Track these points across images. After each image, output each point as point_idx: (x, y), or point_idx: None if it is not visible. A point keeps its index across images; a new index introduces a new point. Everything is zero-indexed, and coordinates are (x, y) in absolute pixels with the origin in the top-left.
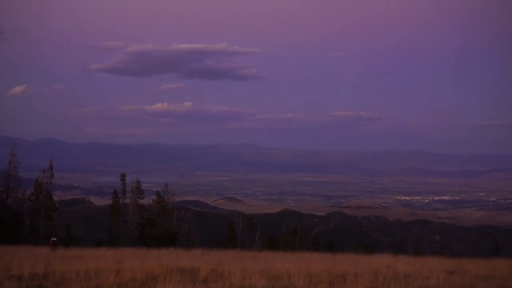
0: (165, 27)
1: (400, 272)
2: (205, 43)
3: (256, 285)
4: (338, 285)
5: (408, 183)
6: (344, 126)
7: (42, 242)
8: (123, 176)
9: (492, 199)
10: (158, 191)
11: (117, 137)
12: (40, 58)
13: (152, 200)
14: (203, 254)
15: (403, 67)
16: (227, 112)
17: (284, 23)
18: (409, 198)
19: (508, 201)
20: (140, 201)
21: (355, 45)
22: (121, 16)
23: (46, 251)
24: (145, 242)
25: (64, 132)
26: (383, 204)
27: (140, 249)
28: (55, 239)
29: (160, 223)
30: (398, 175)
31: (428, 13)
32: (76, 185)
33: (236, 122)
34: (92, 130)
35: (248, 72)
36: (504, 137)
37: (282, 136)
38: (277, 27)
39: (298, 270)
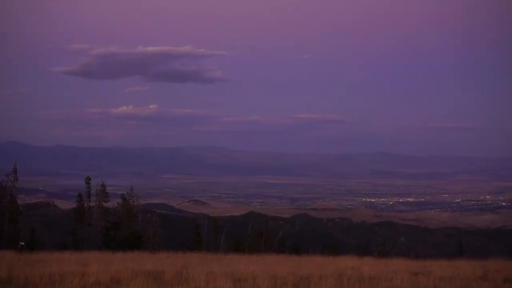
0: (130, 30)
1: (365, 273)
2: (171, 46)
3: None
4: (302, 287)
5: (373, 185)
6: (310, 129)
7: (6, 246)
8: (88, 179)
9: (456, 200)
10: (123, 194)
11: (82, 140)
12: (4, 61)
13: (117, 203)
14: (168, 257)
15: (368, 69)
16: (193, 115)
17: (250, 26)
18: (374, 200)
19: (472, 202)
20: (105, 204)
21: (320, 48)
22: (86, 19)
23: (10, 255)
24: (110, 245)
25: (29, 135)
26: (348, 206)
27: (105, 253)
28: (23, 243)
29: (125, 226)
30: (363, 177)
31: (390, 13)
32: (40, 188)
33: (202, 125)
34: (57, 133)
35: (214, 75)
36: (467, 140)
37: (248, 139)
38: (244, 30)
39: (263, 273)
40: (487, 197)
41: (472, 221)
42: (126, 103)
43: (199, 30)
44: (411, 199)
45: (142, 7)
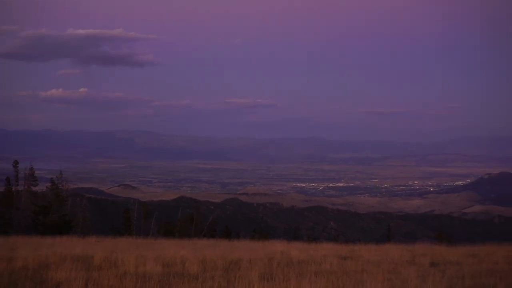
0: (61, 12)
1: (294, 258)
2: (101, 28)
3: (150, 272)
4: (232, 271)
5: (303, 170)
6: (241, 113)
7: None
8: (15, 163)
9: (385, 186)
10: (52, 178)
11: (11, 123)
12: None
13: (46, 187)
14: (97, 241)
15: (298, 54)
16: (124, 98)
17: (182, 9)
18: (304, 185)
19: (400, 187)
20: (34, 189)
21: (252, 32)
22: (15, 0)
23: None
24: (39, 230)
25: None
26: (279, 191)
27: (33, 237)
28: None
29: (54, 210)
30: (294, 162)
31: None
32: None
33: (133, 109)
34: None
35: (145, 58)
36: (396, 125)
37: (179, 123)
38: (176, 14)
39: (193, 257)
40: (415, 182)
41: (400, 206)
42: (56, 86)
43: (130, 13)
44: (341, 184)
45: None
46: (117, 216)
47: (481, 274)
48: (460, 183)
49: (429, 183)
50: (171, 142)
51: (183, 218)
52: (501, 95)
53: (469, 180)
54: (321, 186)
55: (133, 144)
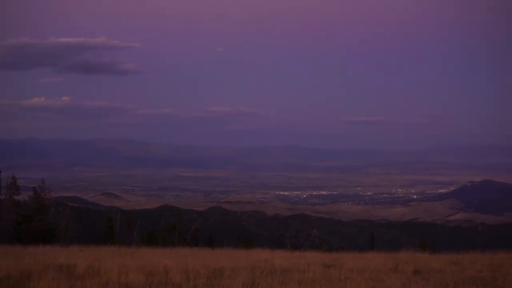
0: (43, 21)
1: (278, 266)
2: (84, 37)
3: (133, 281)
4: (215, 280)
5: (286, 178)
6: (223, 122)
7: None
8: None
9: (368, 193)
10: (34, 187)
11: None
12: None
13: (28, 196)
14: (80, 250)
15: (281, 62)
16: (106, 107)
17: (165, 18)
18: (287, 193)
19: (384, 195)
20: (16, 197)
21: (234, 40)
22: None
23: None
24: (21, 239)
25: None
26: (262, 199)
27: (16, 247)
28: None
29: (36, 219)
30: (277, 170)
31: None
32: None
33: (116, 118)
34: None
35: (127, 66)
36: (379, 133)
37: (162, 132)
38: (158, 23)
39: (176, 266)
40: (399, 190)
41: (383, 214)
42: (38, 95)
43: (113, 22)
44: (324, 192)
45: None
46: (100, 225)
47: (464, 281)
48: (443, 191)
49: (412, 191)
50: (153, 150)
51: (166, 226)
52: (483, 103)
53: (452, 188)
54: (304, 194)
55: (115, 153)
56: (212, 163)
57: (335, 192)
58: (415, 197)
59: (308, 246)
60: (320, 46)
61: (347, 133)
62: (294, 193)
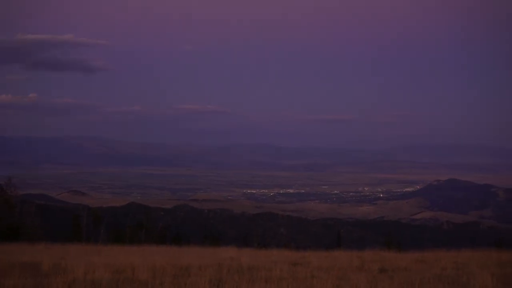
0: (9, 16)
1: (244, 264)
2: (51, 34)
3: (100, 279)
4: (182, 278)
5: (253, 176)
6: (191, 120)
7: None
8: None
9: (335, 192)
10: (0, 184)
11: None
12: None
13: None
14: (47, 248)
15: (250, 61)
16: (74, 104)
17: (133, 15)
18: (254, 191)
19: (350, 194)
20: None
21: (202, 39)
22: None
23: None
24: None
25: None
26: (229, 197)
27: None
28: None
29: (2, 217)
30: (244, 168)
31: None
32: None
33: (83, 115)
34: None
35: (95, 64)
36: (346, 132)
37: (129, 129)
38: (126, 20)
39: (143, 263)
40: (365, 188)
41: (350, 212)
42: (4, 92)
43: (81, 19)
44: (291, 191)
45: None
46: (67, 222)
47: (429, 279)
48: (409, 189)
49: (379, 190)
50: (120, 148)
51: (133, 224)
52: (450, 103)
53: (418, 187)
54: (271, 193)
55: (82, 150)
56: (180, 161)
57: (302, 191)
58: (381, 195)
59: (275, 245)
60: (289, 45)
61: (315, 132)
62: (261, 191)
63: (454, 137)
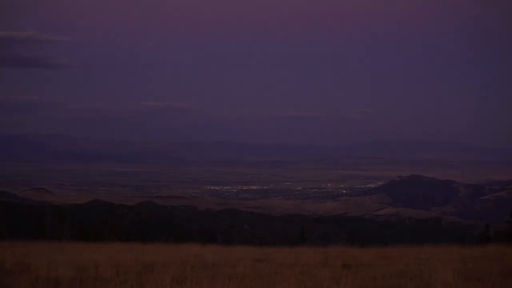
0: None
1: (209, 261)
2: (14, 30)
3: (63, 276)
4: (145, 275)
5: (217, 173)
6: (154, 116)
7: None
8: None
9: (299, 188)
10: None
11: None
12: None
13: None
14: (10, 246)
15: (213, 57)
16: (37, 101)
17: (96, 12)
18: (218, 188)
19: (313, 190)
20: None
21: (165, 35)
22: None
23: None
24: None
25: None
26: (193, 194)
27: None
28: None
29: None
30: (208, 165)
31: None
32: None
33: (46, 112)
34: None
35: (59, 61)
36: (309, 128)
37: (94, 126)
38: (89, 16)
39: (107, 261)
40: (328, 185)
41: (314, 209)
42: None
43: (44, 16)
44: (255, 187)
45: None
46: (30, 220)
47: (392, 275)
48: (372, 185)
49: (342, 186)
50: (84, 145)
51: (97, 221)
52: (412, 100)
53: (380, 183)
54: (235, 189)
55: (45, 148)
56: (144, 158)
57: (266, 187)
58: (344, 192)
59: (239, 241)
60: (253, 41)
61: (278, 128)
62: (225, 188)
63: (417, 134)
